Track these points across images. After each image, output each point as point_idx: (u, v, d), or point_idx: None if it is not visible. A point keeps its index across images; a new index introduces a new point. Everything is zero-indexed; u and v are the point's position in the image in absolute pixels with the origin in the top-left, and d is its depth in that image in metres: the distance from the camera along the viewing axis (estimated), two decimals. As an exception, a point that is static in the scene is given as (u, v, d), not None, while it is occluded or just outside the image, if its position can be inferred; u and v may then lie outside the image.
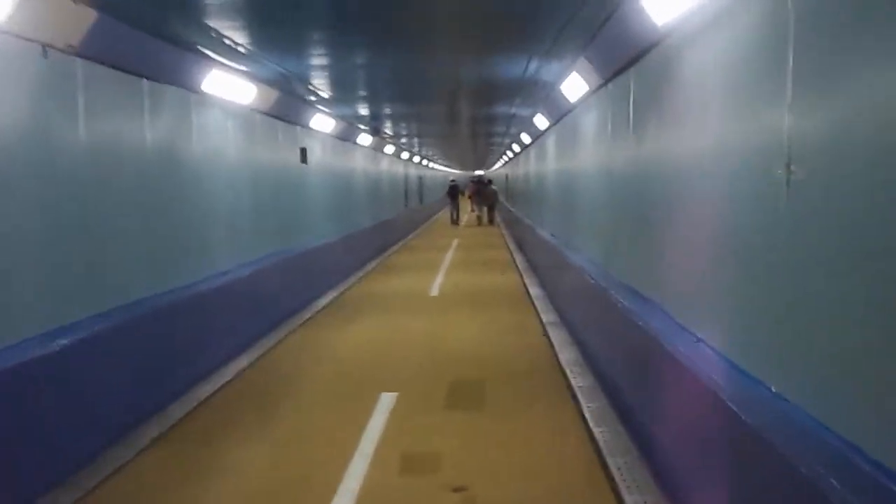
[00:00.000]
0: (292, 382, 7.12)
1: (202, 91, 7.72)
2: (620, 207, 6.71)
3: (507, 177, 32.78)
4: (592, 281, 7.44)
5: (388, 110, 15.04)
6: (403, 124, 18.51)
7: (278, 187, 10.85)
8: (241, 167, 9.22)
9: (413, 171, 31.34)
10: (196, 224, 7.68)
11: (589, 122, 8.62)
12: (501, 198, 33.63)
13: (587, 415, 5.88)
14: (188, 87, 7.45)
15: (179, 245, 7.19)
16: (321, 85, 10.56)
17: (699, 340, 4.34)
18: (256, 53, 7.71)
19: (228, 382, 7.10)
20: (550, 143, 13.11)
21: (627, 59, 6.22)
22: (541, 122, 13.05)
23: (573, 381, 6.75)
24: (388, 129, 18.79)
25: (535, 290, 12.29)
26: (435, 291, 12.75)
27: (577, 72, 8.03)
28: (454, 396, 6.58)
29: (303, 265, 11.33)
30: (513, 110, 17.04)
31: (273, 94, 9.93)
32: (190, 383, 6.87)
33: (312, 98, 11.46)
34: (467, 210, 34.05)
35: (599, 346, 7.01)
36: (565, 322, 9.35)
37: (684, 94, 4.81)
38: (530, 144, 17.84)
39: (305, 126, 12.28)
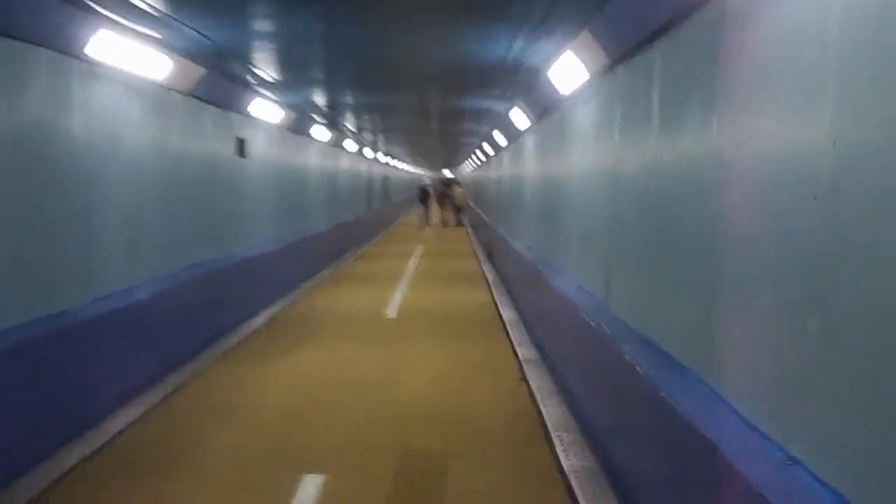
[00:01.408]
0: (178, 458, 5.14)
1: (87, 57, 5.88)
2: (637, 224, 5.02)
3: (475, 179, 31.16)
4: (590, 323, 5.75)
5: (348, 99, 13.20)
6: (366, 117, 16.68)
7: (205, 185, 9.01)
8: (149, 159, 7.38)
9: (378, 171, 29.52)
10: (76, 231, 5.83)
11: (586, 116, 6.95)
12: (470, 201, 32.25)
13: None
14: (65, 50, 5.61)
15: (46, 261, 5.35)
16: (265, 64, 8.75)
17: (792, 462, 2.67)
18: (170, 17, 5.92)
19: (72, 468, 4.90)
20: (530, 142, 11.42)
21: (652, 29, 4.56)
22: (520, 119, 11.35)
23: (565, 462, 5.02)
24: (348, 123, 16.99)
25: (507, 314, 10.58)
26: (392, 312, 10.97)
27: (572, 50, 6.36)
28: (403, 484, 4.81)
29: (234, 278, 9.50)
30: (487, 105, 15.28)
31: (198, 72, 8.09)
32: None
33: (253, 80, 9.62)
34: (437, 212, 32.71)
35: (601, 413, 5.30)
36: (546, 361, 7.66)
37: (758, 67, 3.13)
38: (505, 147, 16.16)
39: (244, 113, 10.44)
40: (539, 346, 8.26)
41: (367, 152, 24.71)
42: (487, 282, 14.00)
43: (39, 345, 5.09)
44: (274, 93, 10.73)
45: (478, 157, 27.61)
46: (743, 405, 3.11)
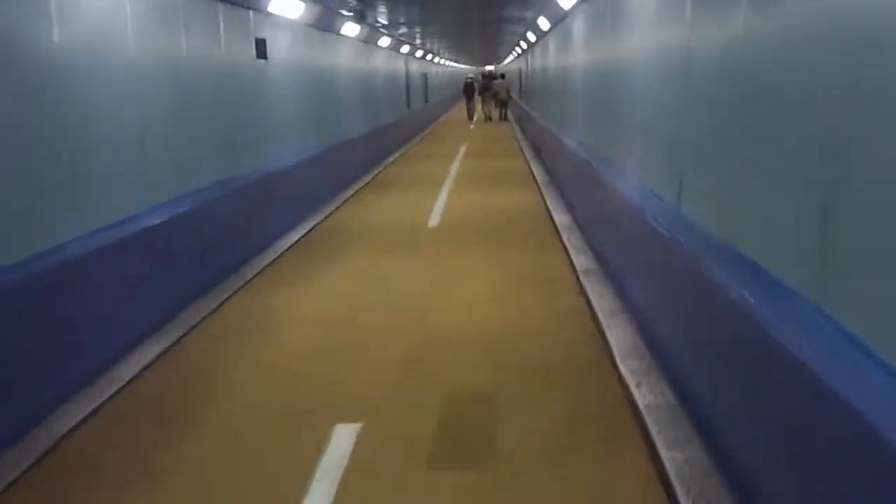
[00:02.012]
0: (193, 406, 4.53)
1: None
2: (722, 113, 4.07)
3: (520, 71, 29.67)
4: (660, 231, 4.88)
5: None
6: (401, 9, 15.52)
7: (223, 94, 8.18)
8: (155, 68, 6.56)
9: (416, 68, 28.19)
10: (62, 157, 5.09)
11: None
12: (514, 94, 31.04)
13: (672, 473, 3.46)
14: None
15: (38, 188, 4.65)
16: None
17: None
18: None
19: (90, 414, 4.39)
20: (579, 25, 10.23)
21: None
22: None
23: (639, 399, 4.27)
24: (381, 17, 15.82)
25: (561, 218, 9.71)
26: (435, 221, 10.18)
27: None
28: (448, 431, 4.13)
29: (260, 194, 8.77)
30: (519, 13, 14.21)
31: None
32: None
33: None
34: (482, 107, 32.07)
35: (677, 340, 4.50)
36: (609, 273, 6.83)
37: None
38: (550, 32, 14.86)
39: (262, 10, 9.46)
40: (599, 255, 7.42)
41: (404, 49, 23.44)
42: (537, 182, 13.06)
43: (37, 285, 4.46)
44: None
45: (521, 48, 26.10)
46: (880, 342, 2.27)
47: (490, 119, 31.74)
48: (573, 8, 10.14)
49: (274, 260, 8.21)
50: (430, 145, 21.88)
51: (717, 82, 4.16)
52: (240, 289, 7.08)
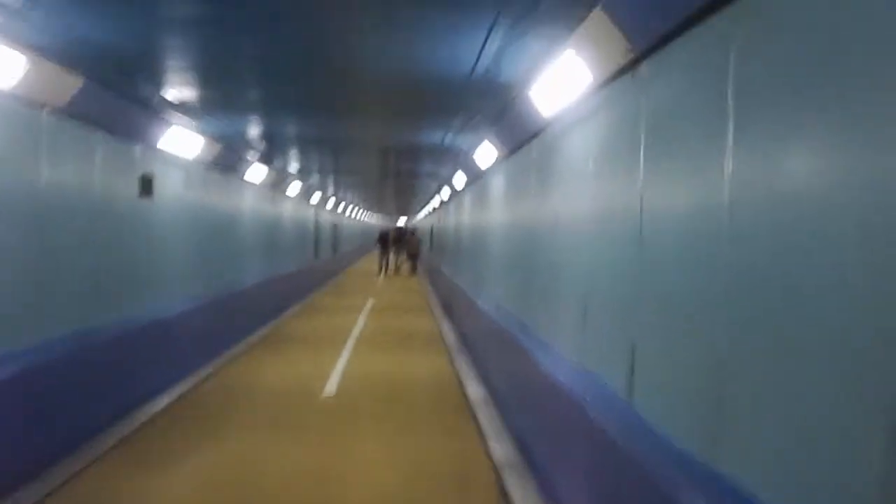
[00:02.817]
0: None
1: None
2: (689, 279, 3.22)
3: (432, 227, 29.47)
4: (613, 436, 3.87)
5: (291, 137, 11.39)
6: (314, 159, 14.86)
7: (93, 231, 7.00)
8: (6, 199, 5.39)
9: (326, 218, 27.54)
10: None
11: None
12: (424, 249, 30.85)
13: None
14: None
15: None
16: (178, 81, 6.90)
17: None
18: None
19: None
20: (499, 181, 9.65)
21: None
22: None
23: None
24: (292, 162, 15.11)
25: (473, 390, 8.64)
26: (331, 388, 8.92)
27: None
28: None
29: (128, 348, 7.42)
30: (434, 168, 14.14)
31: (74, 84, 6.16)
32: None
33: (164, 103, 7.71)
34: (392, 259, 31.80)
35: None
36: (534, 467, 5.73)
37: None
38: (464, 188, 14.42)
39: (150, 145, 8.47)
40: (521, 443, 6.33)
41: (314, 198, 22.79)
42: (447, 345, 12.05)
43: None
44: (193, 118, 8.82)
45: (434, 205, 25.94)
46: None
47: (398, 271, 31.77)
48: (494, 165, 9.57)
49: (133, 431, 6.75)
50: (336, 297, 20.78)
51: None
52: (78, 473, 5.60)
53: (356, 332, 13.65)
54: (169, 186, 9.26)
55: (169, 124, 8.55)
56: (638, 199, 4.00)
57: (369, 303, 19.06)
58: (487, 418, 7.38)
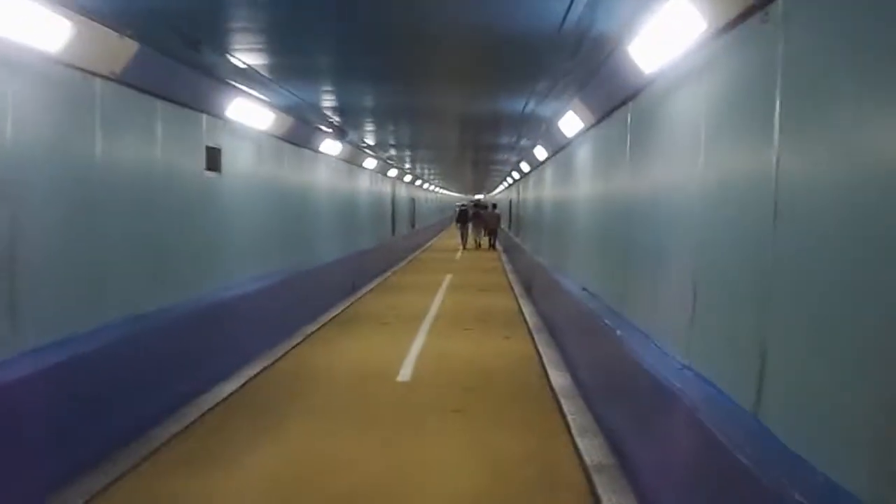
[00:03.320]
0: None
1: None
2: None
3: (511, 202, 28.74)
4: (739, 458, 3.17)
5: (367, 108, 10.89)
6: (390, 132, 14.36)
7: (153, 206, 6.62)
8: (43, 168, 4.99)
9: (403, 192, 27.13)
10: None
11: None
12: (504, 225, 30.29)
13: None
14: None
15: None
16: (244, 45, 6.47)
17: None
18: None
19: None
20: (586, 151, 8.87)
21: None
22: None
23: None
24: (368, 137, 14.64)
25: (558, 379, 7.98)
26: (406, 372, 8.39)
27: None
28: None
29: (192, 330, 7.06)
30: (514, 140, 13.47)
31: (128, 49, 5.72)
32: None
33: (235, 72, 7.27)
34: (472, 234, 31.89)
35: None
36: (631, 473, 5.06)
37: None
38: (546, 160, 13.64)
39: (218, 115, 8.06)
40: (615, 444, 5.65)
41: (392, 172, 22.35)
42: (528, 326, 11.39)
43: None
44: (263, 92, 8.38)
45: (513, 178, 25.18)
46: None
47: (479, 247, 31.35)
48: (580, 133, 8.79)
49: (193, 422, 6.38)
50: (413, 275, 20.34)
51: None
52: (127, 473, 5.23)
53: (433, 311, 13.12)
54: (239, 160, 8.85)
55: (237, 93, 8.11)
56: (772, 167, 3.24)
57: (447, 280, 18.54)
58: (575, 412, 6.71)
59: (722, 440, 3.39)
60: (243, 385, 7.63)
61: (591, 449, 5.70)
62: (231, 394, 7.27)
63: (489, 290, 16.65)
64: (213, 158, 8.05)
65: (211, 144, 7.97)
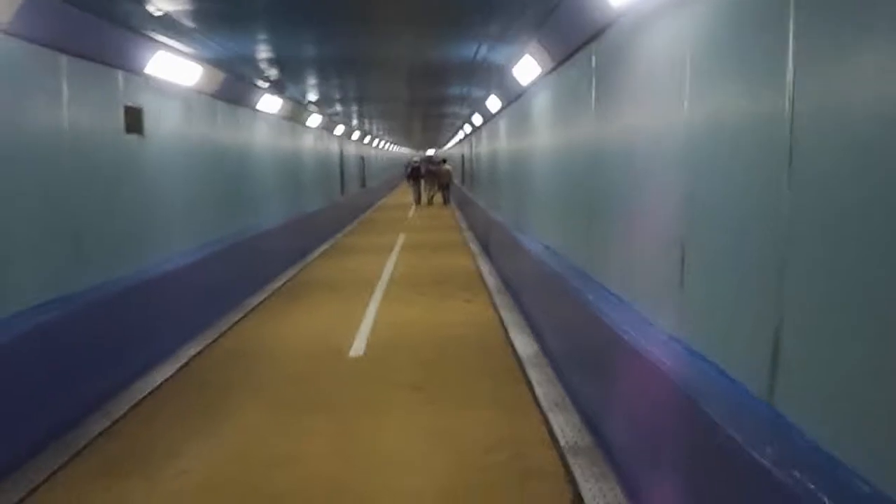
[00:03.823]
0: None
1: None
2: None
3: (463, 156, 28.08)
4: (752, 455, 2.64)
5: (308, 59, 10.03)
6: (335, 86, 13.49)
7: (64, 172, 5.82)
8: None
9: (352, 150, 26.22)
10: None
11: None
12: (456, 180, 29.72)
13: None
14: None
15: None
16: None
17: None
18: None
19: None
20: (546, 97, 8.23)
21: None
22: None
23: None
24: (311, 93, 13.76)
25: (524, 347, 7.44)
26: (359, 346, 7.77)
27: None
28: None
29: (121, 309, 6.33)
30: (466, 91, 13.19)
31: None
32: None
33: (154, 21, 6.41)
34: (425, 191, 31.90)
35: None
36: (611, 453, 4.56)
37: None
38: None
39: (137, 72, 7.20)
40: (589, 419, 5.15)
41: (338, 130, 21.44)
42: (488, 289, 10.84)
43: None
44: (190, 44, 7.52)
45: (465, 132, 24.46)
46: None
47: (431, 203, 31.25)
48: (538, 80, 8.14)
49: (119, 419, 5.69)
50: (365, 236, 19.64)
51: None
52: (43, 483, 4.55)
53: (386, 275, 12.50)
54: (165, 121, 8.02)
55: (158, 46, 7.25)
56: (784, 102, 2.67)
57: (400, 240, 17.90)
58: (544, 384, 6.20)
59: (726, 428, 2.86)
60: (179, 369, 6.94)
61: (565, 427, 5.19)
62: (165, 380, 6.58)
63: (444, 249, 16.07)
64: (134, 119, 7.22)
65: (130, 104, 7.13)
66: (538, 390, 6.03)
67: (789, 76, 2.64)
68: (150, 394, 6.22)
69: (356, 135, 25.86)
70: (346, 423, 5.53)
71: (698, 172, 3.57)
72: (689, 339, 3.66)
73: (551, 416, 5.41)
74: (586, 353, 5.48)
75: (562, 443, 4.92)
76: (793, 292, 2.65)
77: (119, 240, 6.74)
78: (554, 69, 7.19)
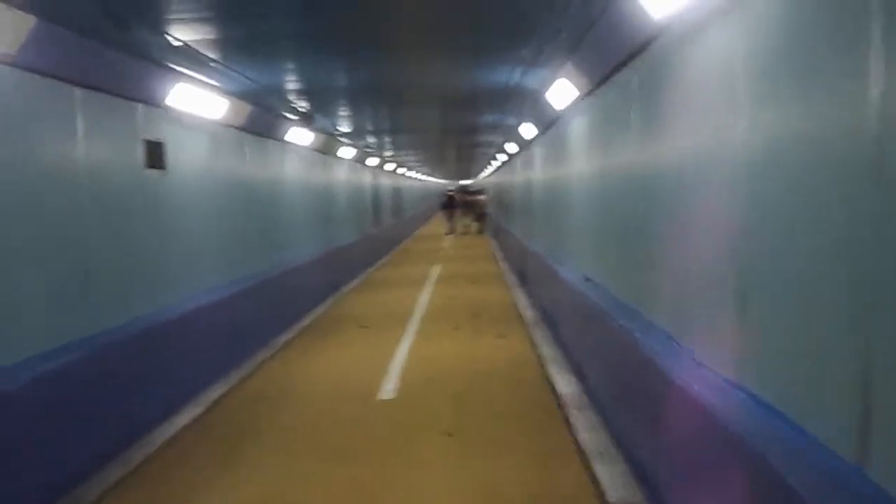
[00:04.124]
0: None
1: None
2: None
3: (498, 186, 27.77)
4: None
5: (339, 89, 9.81)
6: (366, 116, 13.28)
7: (77, 211, 5.57)
8: None
9: (386, 182, 26.04)
10: None
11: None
12: (491, 209, 29.58)
13: None
14: None
15: None
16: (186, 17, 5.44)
17: None
18: None
19: None
20: (584, 123, 7.83)
21: None
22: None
23: None
24: (343, 124, 13.57)
25: (564, 387, 6.99)
26: (389, 388, 7.36)
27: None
28: None
29: (138, 355, 6.03)
30: (499, 118, 13.10)
31: (26, 24, 4.65)
32: None
33: (175, 52, 6.21)
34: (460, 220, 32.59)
35: None
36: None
37: None
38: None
39: (157, 104, 6.99)
40: (638, 468, 4.68)
41: (371, 161, 21.25)
42: (525, 323, 10.39)
43: None
44: (218, 79, 7.30)
45: (498, 160, 24.14)
46: None
47: (468, 232, 31.69)
48: (573, 104, 7.76)
49: (132, 472, 5.34)
50: (399, 268, 19.31)
51: None
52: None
53: (419, 309, 12.10)
54: (188, 155, 7.79)
55: (179, 78, 7.03)
56: (869, 119, 2.24)
57: (435, 271, 17.53)
58: (586, 429, 5.73)
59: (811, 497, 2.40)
60: (201, 415, 6.60)
61: (612, 480, 4.71)
62: (183, 427, 6.24)
63: (480, 280, 15.65)
64: (155, 154, 6.99)
65: (151, 138, 6.91)
66: (581, 437, 5.56)
67: (876, 89, 2.22)
68: (164, 445, 5.86)
69: (390, 166, 25.70)
70: (372, 474, 5.11)
71: (759, 198, 3.13)
72: (753, 386, 3.20)
73: (597, 468, 4.94)
74: (634, 395, 5.01)
75: (610, 500, 4.45)
76: (884, 334, 2.20)
77: (139, 279, 6.47)
78: (592, 91, 6.80)
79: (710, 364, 3.72)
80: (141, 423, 6.08)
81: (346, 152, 16.85)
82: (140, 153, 6.70)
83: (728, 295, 3.43)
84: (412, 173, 35.75)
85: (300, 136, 12.06)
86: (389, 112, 13.31)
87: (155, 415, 6.33)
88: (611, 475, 4.79)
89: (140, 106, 6.69)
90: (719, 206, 3.62)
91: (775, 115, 3.01)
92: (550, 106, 8.67)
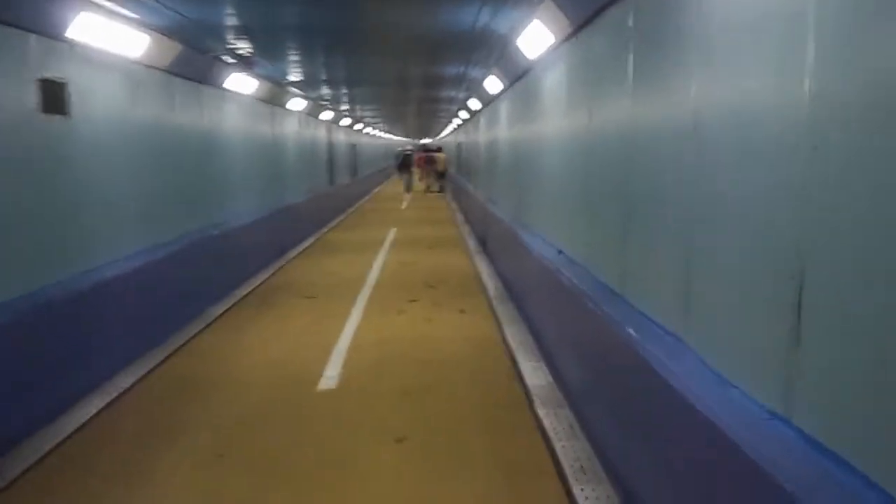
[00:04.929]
0: None
1: None
2: None
3: (459, 145, 26.74)
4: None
5: (289, 32, 8.63)
6: (322, 67, 12.09)
7: None
8: None
9: (341, 138, 24.77)
10: None
11: None
12: (451, 168, 28.76)
13: None
14: None
15: None
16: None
17: None
18: None
19: None
20: (558, 75, 6.83)
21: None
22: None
23: None
24: (292, 72, 12.34)
25: (532, 373, 6.10)
26: (332, 374, 6.38)
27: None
28: None
29: (44, 330, 4.97)
30: (463, 70, 11.87)
31: None
32: None
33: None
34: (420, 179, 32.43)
35: None
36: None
37: None
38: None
39: (58, 37, 5.80)
40: (628, 493, 3.82)
41: (325, 115, 19.99)
42: (488, 295, 9.48)
43: None
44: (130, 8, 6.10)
45: (460, 119, 23.05)
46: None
47: (429, 191, 31.58)
48: (551, 50, 6.76)
49: (32, 465, 4.34)
50: (354, 230, 18.23)
51: None
52: None
53: (373, 277, 11.12)
54: (99, 98, 6.64)
55: (83, 5, 5.85)
56: None
57: (390, 235, 16.52)
58: (563, 436, 4.85)
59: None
60: (109, 404, 5.58)
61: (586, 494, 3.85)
62: (81, 426, 5.20)
63: (438, 245, 14.69)
64: (54, 96, 5.83)
65: (48, 76, 5.74)
66: (557, 446, 4.67)
67: None
68: (55, 448, 4.84)
69: (346, 121, 24.43)
70: (305, 494, 4.18)
71: (830, 167, 2.21)
72: (806, 424, 2.32)
73: (576, 489, 4.07)
74: (624, 401, 4.13)
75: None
76: None
77: (39, 242, 5.37)
78: (573, 35, 5.80)
79: (736, 381, 2.83)
80: (27, 423, 5.04)
81: (297, 104, 15.63)
82: (31, 94, 5.54)
83: (770, 298, 2.53)
84: (370, 130, 34.43)
85: (243, 83, 10.87)
86: (345, 60, 12.08)
87: (48, 411, 5.29)
88: (594, 499, 3.92)
89: (33, 37, 5.52)
90: (762, 178, 2.69)
91: (855, 52, 2.07)
92: (521, 54, 7.66)
